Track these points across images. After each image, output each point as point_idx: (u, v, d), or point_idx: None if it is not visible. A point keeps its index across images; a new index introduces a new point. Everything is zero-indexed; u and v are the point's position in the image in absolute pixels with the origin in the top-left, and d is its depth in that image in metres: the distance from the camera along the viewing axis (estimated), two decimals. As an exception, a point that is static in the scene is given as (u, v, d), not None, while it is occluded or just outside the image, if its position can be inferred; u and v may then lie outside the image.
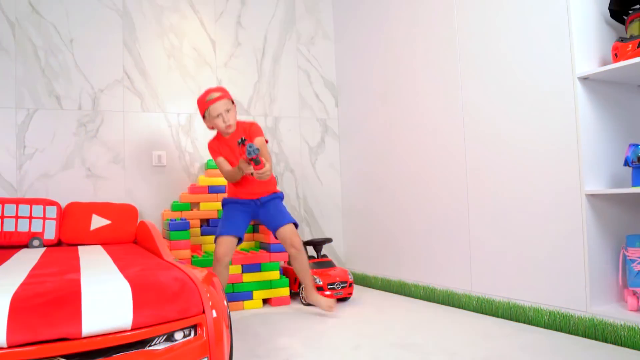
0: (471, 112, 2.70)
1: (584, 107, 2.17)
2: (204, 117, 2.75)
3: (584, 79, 2.17)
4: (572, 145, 2.18)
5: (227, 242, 2.66)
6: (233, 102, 2.76)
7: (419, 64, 3.10)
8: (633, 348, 1.95)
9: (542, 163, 2.32)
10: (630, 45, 2.05)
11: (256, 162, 2.44)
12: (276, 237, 2.77)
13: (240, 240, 2.72)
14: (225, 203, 2.85)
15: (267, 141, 2.78)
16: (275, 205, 2.78)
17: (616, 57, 2.11)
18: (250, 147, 2.38)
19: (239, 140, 2.45)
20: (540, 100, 2.32)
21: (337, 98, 4.03)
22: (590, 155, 2.17)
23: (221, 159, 2.75)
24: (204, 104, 2.70)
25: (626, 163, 2.10)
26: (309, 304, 3.01)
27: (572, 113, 2.18)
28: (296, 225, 2.75)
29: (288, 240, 2.67)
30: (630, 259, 2.12)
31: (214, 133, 2.87)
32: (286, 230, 2.69)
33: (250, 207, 2.79)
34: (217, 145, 2.81)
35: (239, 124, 2.79)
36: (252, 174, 2.51)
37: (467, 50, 2.72)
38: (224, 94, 2.71)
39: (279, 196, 2.84)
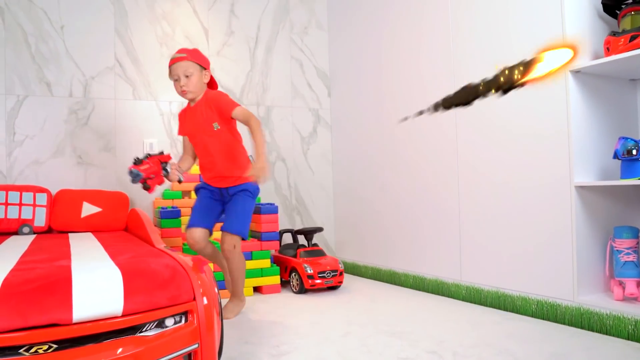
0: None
1: (576, 100, 2.19)
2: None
3: (576, 72, 2.19)
4: (563, 138, 2.20)
5: (197, 233, 2.46)
6: (206, 67, 2.47)
7: (412, 54, 3.10)
8: (618, 336, 1.98)
9: (533, 155, 2.34)
10: (622, 40, 2.06)
11: (144, 186, 2.31)
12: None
13: (210, 232, 2.52)
14: (197, 189, 2.62)
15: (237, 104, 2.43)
16: (237, 202, 2.47)
17: (608, 50, 2.13)
18: (130, 173, 2.27)
19: (135, 160, 2.30)
20: (532, 93, 2.33)
21: (330, 88, 4.03)
22: (581, 148, 2.19)
23: (184, 140, 2.61)
24: (169, 62, 2.48)
25: (615, 156, 2.12)
26: (299, 292, 3.03)
27: (563, 106, 2.20)
28: (244, 237, 2.47)
29: (222, 245, 2.43)
30: (617, 250, 2.14)
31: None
32: (226, 238, 2.42)
33: (220, 196, 2.55)
34: (182, 118, 2.57)
35: (208, 95, 2.47)
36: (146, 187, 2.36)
37: (460, 41, 2.73)
38: (190, 55, 2.42)
39: (248, 189, 2.48)
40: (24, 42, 3.16)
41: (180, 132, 2.62)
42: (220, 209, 2.56)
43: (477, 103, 2.61)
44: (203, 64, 2.47)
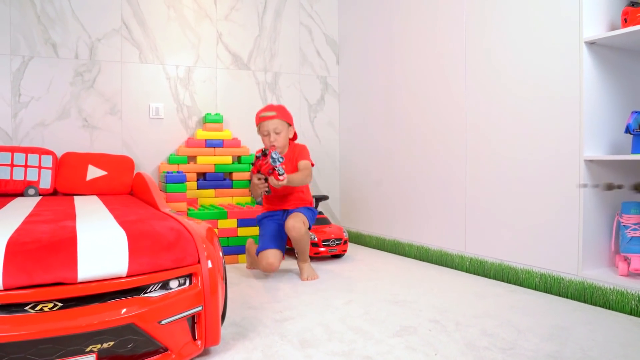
0: (474, 72, 2.66)
1: (589, 73, 2.14)
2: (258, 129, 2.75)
3: (591, 44, 2.13)
4: (574, 111, 2.16)
5: (271, 253, 2.55)
6: (291, 124, 2.75)
7: (424, 24, 3.04)
8: (621, 311, 1.98)
9: (543, 127, 2.31)
10: (641, 10, 2.00)
11: (279, 172, 2.39)
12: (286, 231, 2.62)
13: (282, 254, 2.64)
14: (260, 219, 2.80)
15: (312, 164, 2.74)
16: (301, 209, 2.72)
17: (625, 22, 2.07)
18: (275, 154, 2.39)
19: (260, 154, 2.43)
20: (545, 64, 2.29)
21: (339, 56, 3.97)
22: (592, 121, 2.15)
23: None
24: (257, 118, 2.74)
25: (627, 130, 2.09)
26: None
27: (576, 78, 2.15)
28: (310, 226, 2.66)
29: (291, 223, 2.53)
30: (624, 225, 2.13)
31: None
32: (294, 215, 2.58)
33: (281, 217, 2.75)
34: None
35: (293, 146, 2.78)
36: (267, 192, 2.51)
37: (473, 10, 2.67)
38: (280, 114, 2.69)
39: (309, 209, 2.77)
40: (29, 2, 3.11)
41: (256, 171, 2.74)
42: (285, 234, 2.70)
43: (489, 73, 2.57)
44: (289, 121, 2.75)
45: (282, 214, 2.77)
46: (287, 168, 2.66)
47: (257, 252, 2.61)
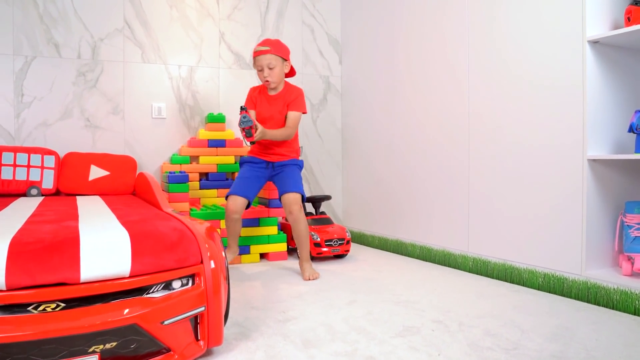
0: (477, 72, 2.65)
1: (592, 72, 2.13)
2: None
3: (594, 43, 2.13)
4: (578, 110, 2.15)
5: (238, 201, 2.65)
6: (286, 60, 2.72)
7: (426, 22, 3.03)
8: (625, 311, 1.98)
9: (546, 127, 2.30)
10: (645, 9, 2.00)
11: (247, 133, 2.48)
12: (280, 202, 2.72)
13: (249, 204, 2.71)
14: (242, 162, 2.85)
15: (305, 112, 2.79)
16: (289, 171, 2.74)
17: (629, 20, 2.06)
18: (244, 117, 2.45)
19: (241, 107, 2.50)
20: (548, 63, 2.28)
21: (341, 55, 3.97)
22: (595, 121, 2.14)
23: (251, 112, 2.77)
24: (253, 52, 2.73)
25: (631, 129, 2.08)
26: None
27: (579, 77, 2.14)
28: (303, 198, 2.69)
29: (287, 207, 2.60)
30: (627, 225, 2.12)
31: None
32: (289, 197, 2.61)
33: (265, 168, 2.79)
34: (255, 96, 2.81)
35: (288, 87, 2.78)
36: (247, 143, 2.58)
37: (475, 10, 2.66)
38: (273, 49, 2.66)
39: (296, 163, 2.81)
40: (32, 2, 3.11)
41: (250, 107, 2.81)
42: (262, 184, 2.79)
43: (491, 72, 2.56)
44: (285, 56, 2.72)
45: (265, 164, 2.80)
46: (278, 109, 2.73)
47: (227, 195, 2.70)
